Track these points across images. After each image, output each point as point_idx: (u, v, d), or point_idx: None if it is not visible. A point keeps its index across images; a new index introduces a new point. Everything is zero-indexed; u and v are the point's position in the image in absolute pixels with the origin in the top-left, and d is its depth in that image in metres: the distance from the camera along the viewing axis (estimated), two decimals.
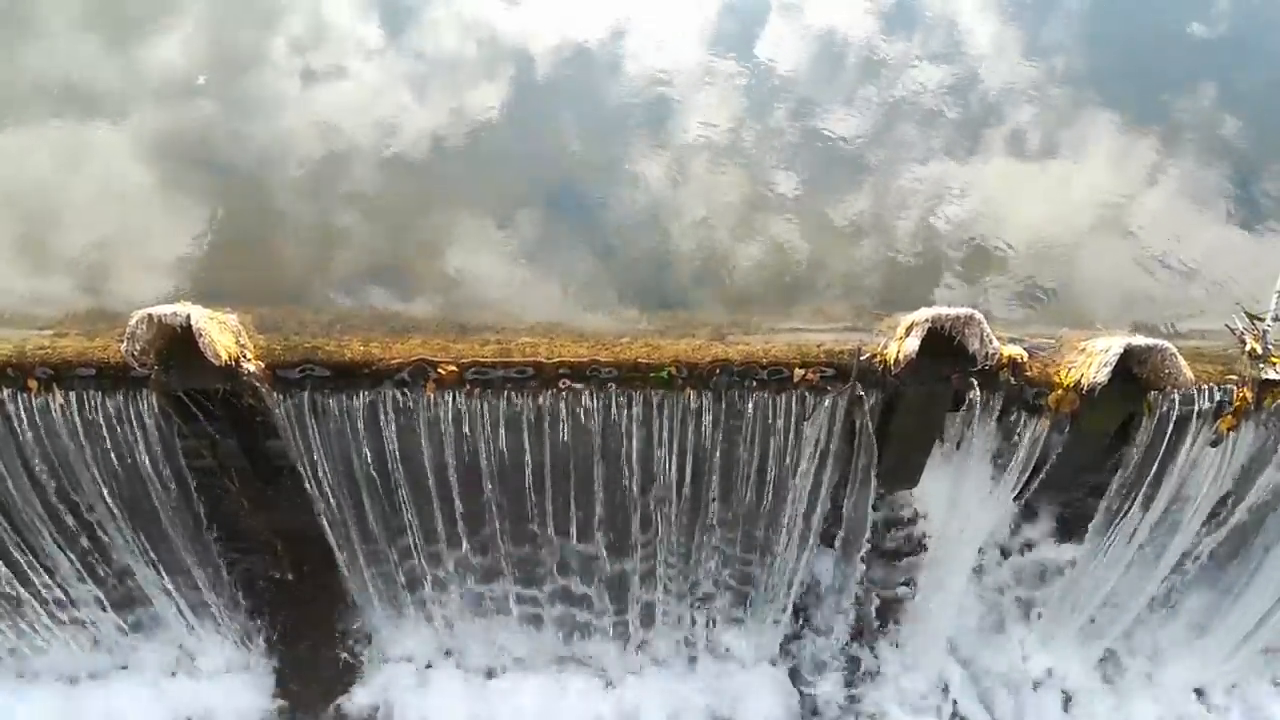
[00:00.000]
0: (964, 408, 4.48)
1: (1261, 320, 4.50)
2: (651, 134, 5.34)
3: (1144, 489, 4.85)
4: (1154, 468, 4.67)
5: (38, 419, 4.41)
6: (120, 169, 5.11)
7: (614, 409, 4.39)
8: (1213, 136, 5.52)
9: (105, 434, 4.50)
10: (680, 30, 5.90)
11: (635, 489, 4.93)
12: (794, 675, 6.66)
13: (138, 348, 4.03)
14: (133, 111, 5.33)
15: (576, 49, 5.77)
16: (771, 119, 5.44)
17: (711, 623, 6.43)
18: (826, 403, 4.43)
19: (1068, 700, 6.67)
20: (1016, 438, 4.61)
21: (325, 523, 5.19)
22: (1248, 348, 4.41)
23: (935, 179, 5.19)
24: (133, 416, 4.45)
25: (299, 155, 5.17)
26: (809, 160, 5.26)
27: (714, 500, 5.16)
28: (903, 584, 6.66)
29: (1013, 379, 4.31)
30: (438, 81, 5.59)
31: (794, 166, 5.21)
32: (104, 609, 5.99)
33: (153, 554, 5.45)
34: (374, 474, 4.82)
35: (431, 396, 4.31)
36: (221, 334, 4.05)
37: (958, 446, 4.85)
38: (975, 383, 4.30)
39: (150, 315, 3.98)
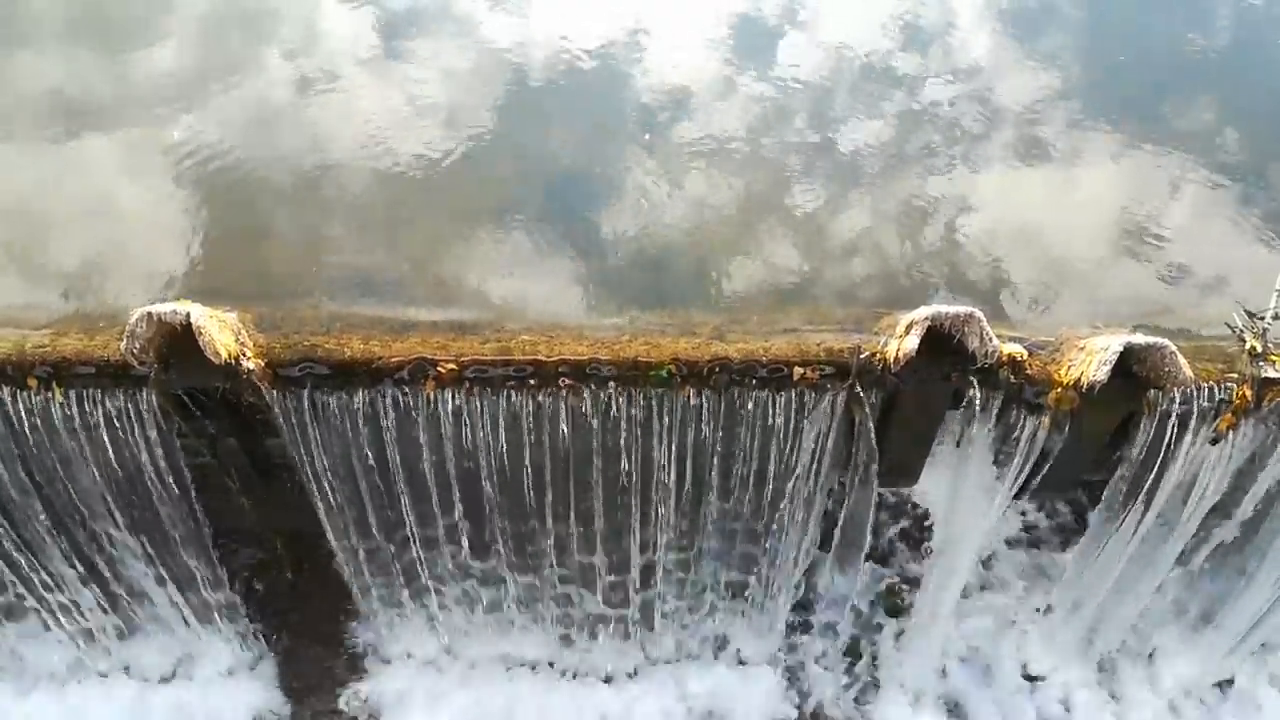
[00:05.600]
0: (964, 406, 4.48)
1: (1261, 318, 4.50)
2: (653, 137, 5.34)
3: (1144, 487, 4.85)
4: (1154, 466, 4.67)
5: (37, 417, 4.41)
6: (121, 172, 5.11)
7: (614, 407, 4.39)
8: (1214, 138, 5.51)
9: (105, 432, 4.49)
10: (682, 37, 5.90)
11: (635, 487, 4.93)
12: (794, 674, 6.67)
13: (137, 346, 4.03)
14: (133, 118, 5.33)
15: (577, 55, 5.77)
16: (773, 124, 5.44)
17: (711, 621, 6.44)
18: (826, 401, 4.43)
19: (1068, 699, 6.68)
20: (1016, 436, 4.60)
21: (325, 521, 5.19)
22: (1248, 346, 4.40)
23: (935, 182, 5.19)
24: (132, 415, 4.44)
25: (300, 159, 5.17)
26: (810, 163, 5.26)
27: (713, 499, 5.16)
28: (903, 582, 6.67)
29: (1012, 377, 4.31)
30: (439, 86, 5.58)
31: (795, 169, 5.21)
32: (103, 609, 5.99)
33: (152, 553, 5.45)
34: (373, 472, 4.83)
35: (431, 395, 4.31)
36: (221, 332, 4.05)
37: (957, 445, 4.86)
38: (975, 381, 4.30)
39: (150, 313, 3.98)
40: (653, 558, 5.64)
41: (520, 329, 4.41)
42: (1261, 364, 4.36)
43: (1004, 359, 4.23)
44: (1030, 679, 6.71)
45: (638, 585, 5.89)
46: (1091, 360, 4.16)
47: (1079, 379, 4.19)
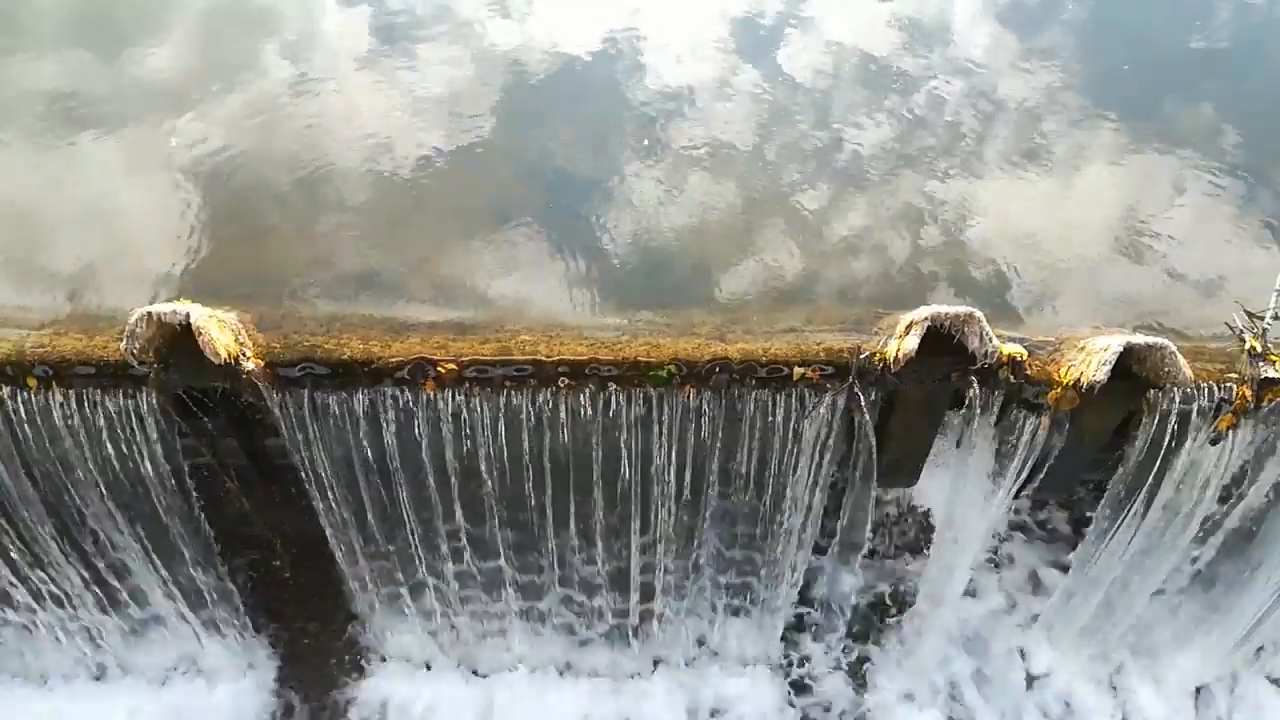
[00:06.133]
0: (963, 406, 4.48)
1: (1261, 318, 4.50)
2: (653, 137, 5.34)
3: (1144, 487, 4.85)
4: (1154, 466, 4.67)
5: (37, 417, 4.41)
6: (120, 172, 5.12)
7: (614, 407, 4.39)
8: (1215, 138, 5.51)
9: (105, 432, 4.50)
10: (681, 38, 5.91)
11: (635, 487, 4.94)
12: (794, 674, 6.67)
13: (137, 346, 4.03)
14: (132, 118, 5.33)
15: (577, 56, 5.78)
16: (773, 125, 5.44)
17: (711, 622, 6.44)
18: (826, 401, 4.43)
19: (1068, 697, 6.68)
20: (1016, 436, 4.61)
21: (324, 521, 5.19)
22: (1247, 346, 4.40)
23: (935, 182, 5.19)
24: (133, 415, 4.45)
25: (300, 159, 5.17)
26: (810, 164, 5.26)
27: (713, 499, 5.16)
28: (903, 582, 6.67)
29: (1012, 377, 4.31)
30: (439, 86, 5.59)
31: (795, 169, 5.22)
32: (103, 609, 5.99)
33: (152, 553, 5.45)
34: (373, 471, 4.83)
35: (431, 394, 4.31)
36: (221, 332, 4.05)
37: (957, 445, 4.86)
38: (974, 381, 4.30)
39: (150, 314, 3.98)
40: (653, 558, 5.64)
41: (520, 329, 4.40)
42: (1261, 364, 4.36)
43: (1004, 359, 4.22)
44: (1031, 678, 6.71)
45: (638, 585, 5.89)
46: (1091, 360, 4.16)
47: (1079, 379, 4.19)
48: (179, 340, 4.07)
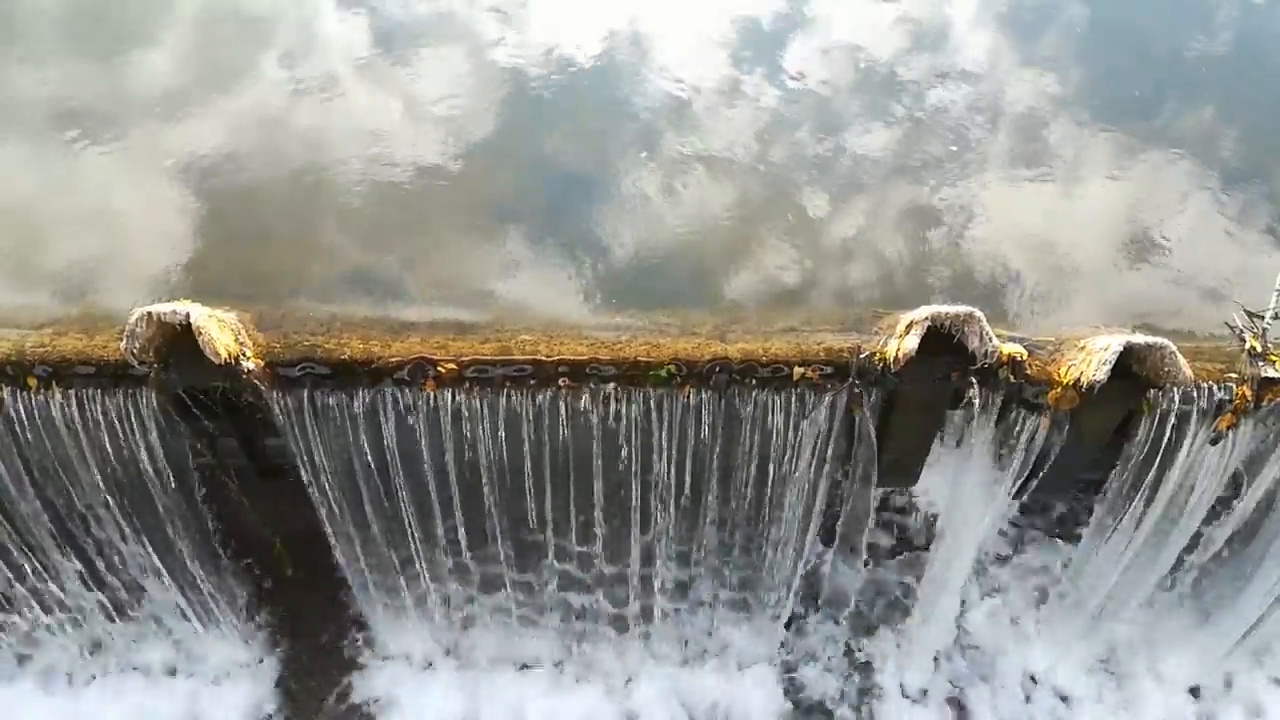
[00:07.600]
0: (963, 406, 4.48)
1: (1261, 318, 4.50)
2: (653, 137, 5.34)
3: (1144, 487, 4.85)
4: (1154, 465, 4.67)
5: (37, 416, 4.41)
6: (121, 174, 5.12)
7: (613, 406, 4.39)
8: (1216, 140, 5.51)
9: (104, 432, 4.50)
10: (680, 39, 5.90)
11: (634, 486, 4.94)
12: (794, 673, 6.67)
13: (137, 346, 4.03)
14: (133, 120, 5.32)
15: (578, 59, 5.77)
16: (773, 127, 5.44)
17: (711, 621, 6.44)
18: (826, 401, 4.43)
19: (1067, 696, 6.68)
20: (1016, 436, 4.61)
21: (324, 520, 5.19)
22: (1247, 345, 4.41)
23: (936, 184, 5.19)
24: (132, 414, 4.45)
25: (300, 161, 5.17)
26: (809, 166, 5.25)
27: (713, 498, 5.16)
28: (903, 581, 6.68)
29: (1012, 377, 4.31)
30: (439, 90, 5.58)
31: (794, 171, 5.21)
32: (103, 608, 5.99)
33: (152, 552, 5.45)
34: (373, 471, 4.83)
35: (431, 394, 4.31)
36: (221, 332, 4.05)
37: (958, 444, 4.86)
38: (975, 381, 4.30)
39: (150, 313, 3.98)
40: (652, 558, 5.64)
41: (520, 328, 4.40)
42: (1261, 364, 4.36)
43: (1004, 359, 4.22)
44: (1031, 677, 6.72)
45: (637, 585, 5.89)
46: (1091, 360, 4.17)
47: (1079, 379, 4.19)
48: (179, 340, 4.07)
